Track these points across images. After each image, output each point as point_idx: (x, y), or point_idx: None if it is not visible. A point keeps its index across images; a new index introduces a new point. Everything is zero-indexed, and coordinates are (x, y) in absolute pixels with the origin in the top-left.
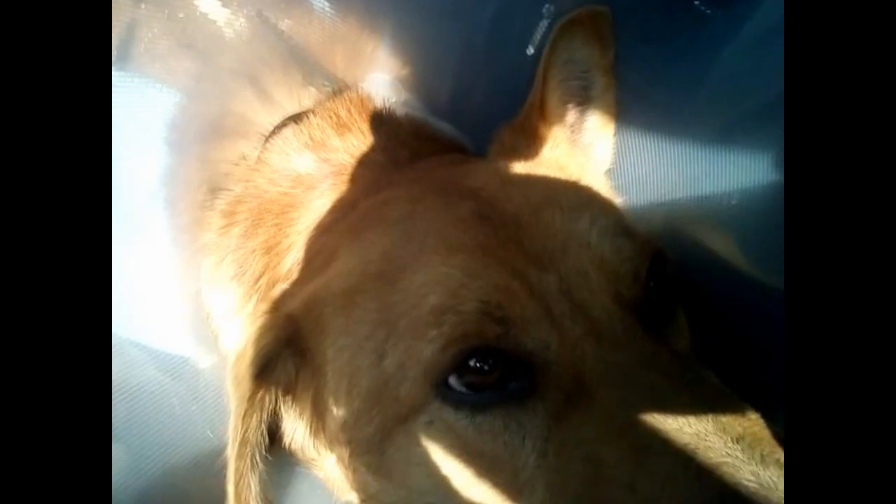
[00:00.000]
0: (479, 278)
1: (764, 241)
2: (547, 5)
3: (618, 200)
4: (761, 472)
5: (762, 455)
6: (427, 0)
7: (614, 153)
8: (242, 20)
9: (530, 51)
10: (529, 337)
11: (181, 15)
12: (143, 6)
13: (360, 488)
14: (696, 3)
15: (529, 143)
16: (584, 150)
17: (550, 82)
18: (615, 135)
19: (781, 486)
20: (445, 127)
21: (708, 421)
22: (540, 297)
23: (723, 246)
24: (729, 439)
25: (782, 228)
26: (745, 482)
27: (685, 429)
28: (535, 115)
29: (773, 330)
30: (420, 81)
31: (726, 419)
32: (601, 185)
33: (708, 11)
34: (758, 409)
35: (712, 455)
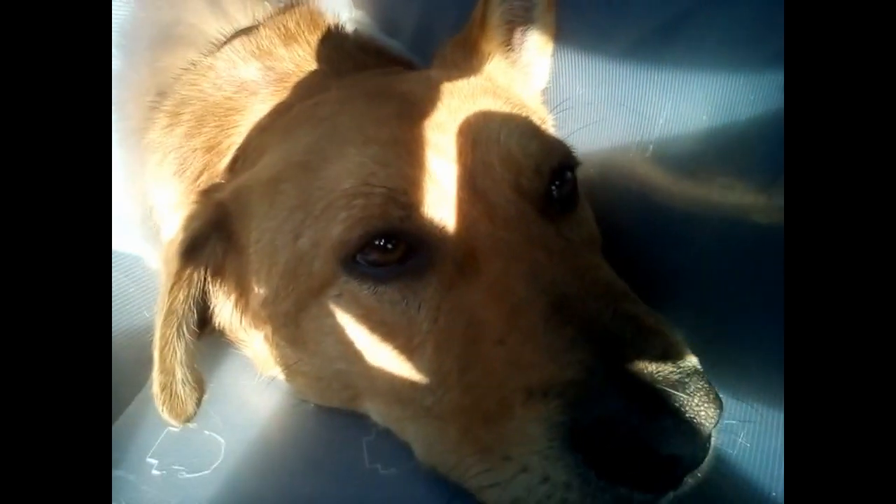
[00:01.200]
0: (389, 167)
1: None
2: None
3: (546, 116)
4: (608, 320)
5: (615, 308)
6: None
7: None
8: None
9: None
10: (428, 219)
11: None
12: None
13: (282, 361)
14: None
15: (468, 58)
16: (522, 69)
17: (493, 1)
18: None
19: (630, 331)
20: (394, 44)
21: (574, 286)
22: (443, 185)
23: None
24: (591, 300)
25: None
26: (597, 327)
27: (557, 289)
28: (476, 32)
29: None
30: (381, 4)
31: (592, 286)
32: (530, 100)
33: None
34: None
35: (572, 310)
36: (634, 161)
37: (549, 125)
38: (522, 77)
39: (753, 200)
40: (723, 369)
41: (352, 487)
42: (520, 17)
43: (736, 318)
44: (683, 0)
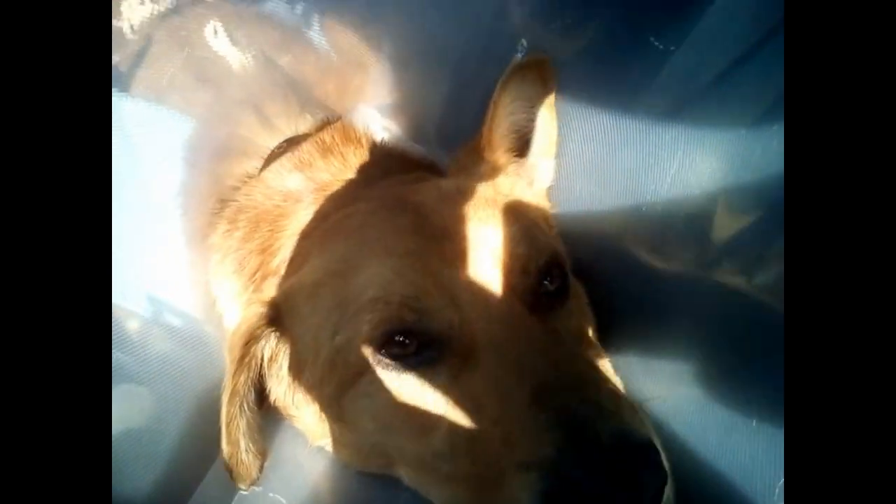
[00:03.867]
0: (404, 277)
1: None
2: (521, 41)
3: (548, 211)
4: (576, 406)
5: (581, 396)
6: (415, 44)
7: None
8: (249, 57)
9: None
10: (436, 321)
11: (198, 53)
12: (167, 46)
13: (328, 433)
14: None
15: (477, 163)
16: (527, 171)
17: (498, 115)
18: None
19: (592, 416)
20: (416, 148)
21: (552, 377)
22: (448, 290)
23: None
24: (563, 390)
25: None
26: (566, 413)
27: (537, 380)
28: (484, 141)
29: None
30: (406, 112)
31: (565, 377)
32: (533, 200)
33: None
34: None
35: (548, 398)
36: (626, 235)
37: (551, 220)
38: (527, 178)
39: (735, 282)
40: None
41: None
42: (524, 127)
43: (734, 373)
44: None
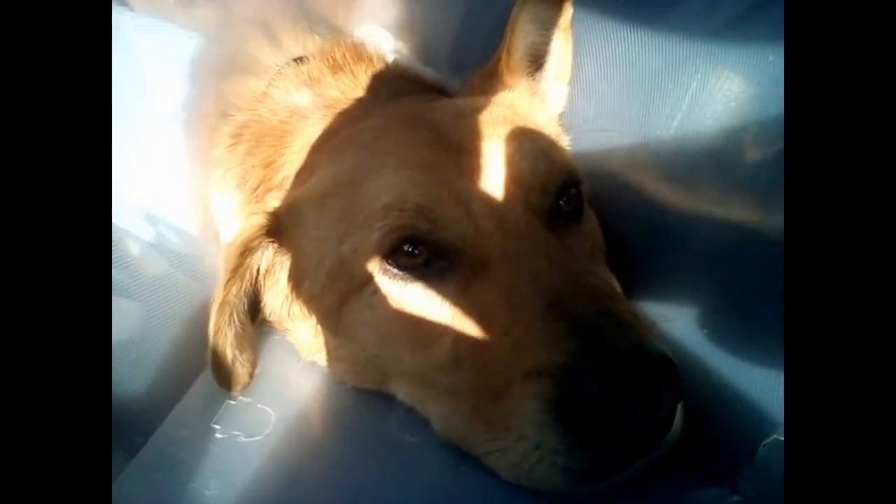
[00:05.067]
0: (420, 187)
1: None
2: None
3: (562, 137)
4: (593, 316)
5: (599, 306)
6: None
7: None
8: None
9: None
10: (450, 231)
11: None
12: None
13: (323, 347)
14: None
15: (493, 87)
16: (541, 96)
17: (515, 37)
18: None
19: (610, 326)
20: (428, 71)
21: (568, 289)
22: (464, 202)
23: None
24: (580, 300)
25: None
26: (583, 322)
27: (553, 291)
28: (501, 64)
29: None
30: (418, 34)
31: (582, 288)
32: (547, 124)
33: None
34: None
35: (565, 308)
36: (637, 166)
37: (565, 145)
38: (541, 103)
39: (748, 216)
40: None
41: (381, 451)
42: (539, 51)
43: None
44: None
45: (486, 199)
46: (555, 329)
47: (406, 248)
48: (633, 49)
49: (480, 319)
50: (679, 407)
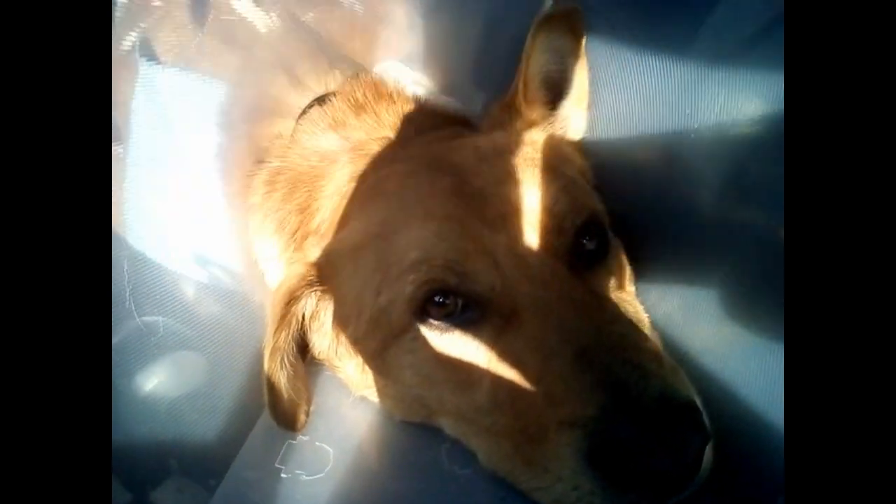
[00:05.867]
0: (447, 241)
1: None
2: None
3: (584, 165)
4: (619, 368)
5: (624, 358)
6: None
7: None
8: (274, 17)
9: None
10: (479, 283)
11: (223, 17)
12: (194, 12)
13: (372, 384)
14: None
15: (512, 118)
16: (561, 122)
17: (532, 68)
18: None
19: (635, 377)
20: (449, 102)
21: (594, 338)
22: (490, 254)
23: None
24: (606, 351)
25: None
26: (610, 375)
27: (580, 342)
28: (518, 95)
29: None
30: (436, 63)
31: (608, 338)
32: (569, 155)
33: None
34: None
35: (591, 359)
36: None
37: (586, 176)
38: (562, 131)
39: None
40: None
41: (434, 484)
42: (556, 78)
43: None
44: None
45: (511, 248)
46: (583, 381)
47: (437, 299)
48: (653, 72)
49: (514, 367)
50: (707, 447)
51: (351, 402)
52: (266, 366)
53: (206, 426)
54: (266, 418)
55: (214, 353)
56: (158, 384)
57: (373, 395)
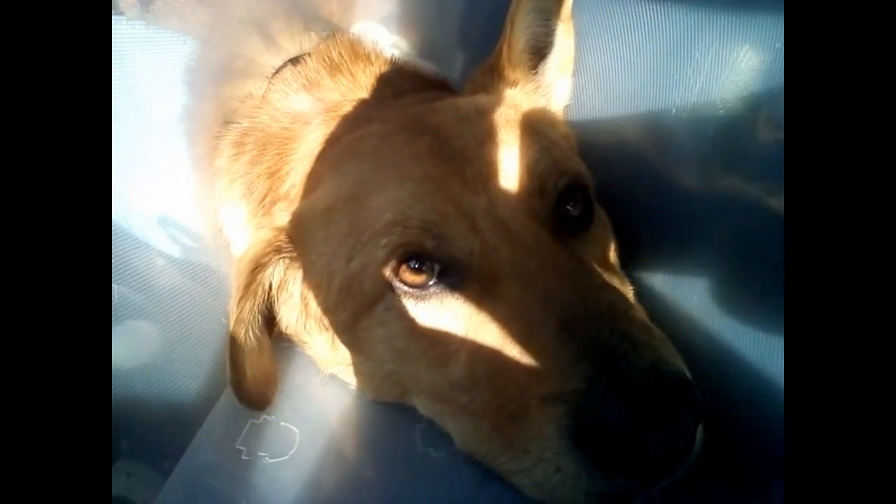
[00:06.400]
0: (423, 202)
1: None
2: None
3: (568, 131)
4: (607, 337)
5: (612, 327)
6: None
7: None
8: None
9: None
10: (457, 247)
11: None
12: None
13: (341, 361)
14: None
15: (495, 82)
16: (545, 89)
17: (516, 30)
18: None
19: (624, 347)
20: (428, 65)
21: (580, 308)
22: (469, 216)
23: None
24: (593, 320)
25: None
26: (597, 344)
27: (565, 311)
28: (502, 58)
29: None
30: (415, 26)
31: (596, 307)
32: (552, 120)
33: None
34: None
35: (577, 329)
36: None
37: (571, 142)
38: (545, 95)
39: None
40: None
41: (407, 468)
42: (541, 43)
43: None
44: None
45: (491, 211)
46: (568, 352)
47: (413, 264)
48: (639, 32)
49: (494, 338)
50: (699, 427)
51: (320, 380)
52: (229, 339)
53: (160, 403)
54: (228, 397)
55: (172, 326)
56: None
57: (343, 373)
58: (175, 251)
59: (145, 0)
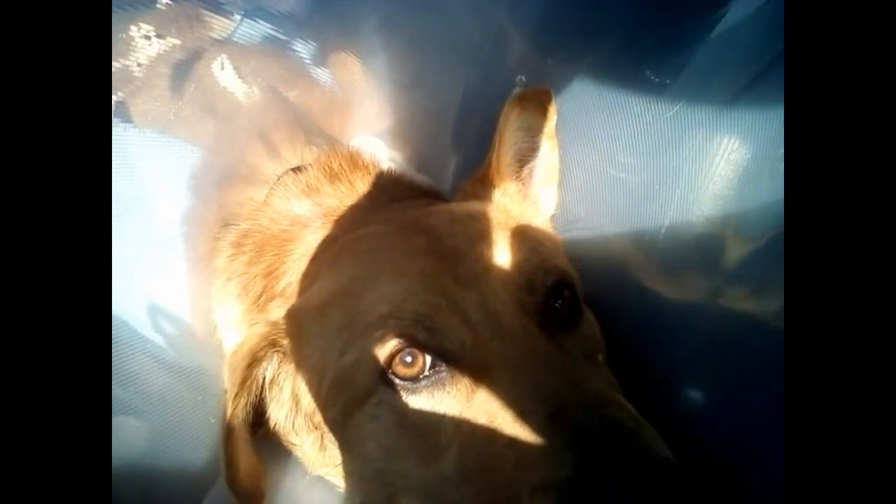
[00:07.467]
0: (417, 296)
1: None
2: (519, 77)
3: (556, 238)
4: (595, 426)
5: (600, 415)
6: (417, 76)
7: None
8: (256, 90)
9: None
10: (449, 339)
11: (206, 87)
12: (174, 81)
13: (330, 461)
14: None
15: (486, 191)
16: (532, 199)
17: (504, 145)
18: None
19: (612, 436)
20: (422, 178)
21: (569, 398)
22: (461, 310)
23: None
24: (581, 409)
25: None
26: (585, 433)
27: (553, 401)
28: (492, 171)
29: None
30: (410, 142)
31: (583, 397)
32: (540, 226)
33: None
34: None
35: (566, 419)
36: (632, 263)
37: (558, 247)
38: (533, 205)
39: (744, 306)
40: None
41: None
42: (528, 155)
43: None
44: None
45: (483, 305)
46: (557, 441)
47: (406, 358)
48: (621, 147)
49: (484, 431)
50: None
51: (307, 482)
52: (225, 434)
53: (147, 500)
54: (211, 498)
55: (159, 423)
56: None
57: (331, 475)
58: (160, 340)
59: (158, 113)
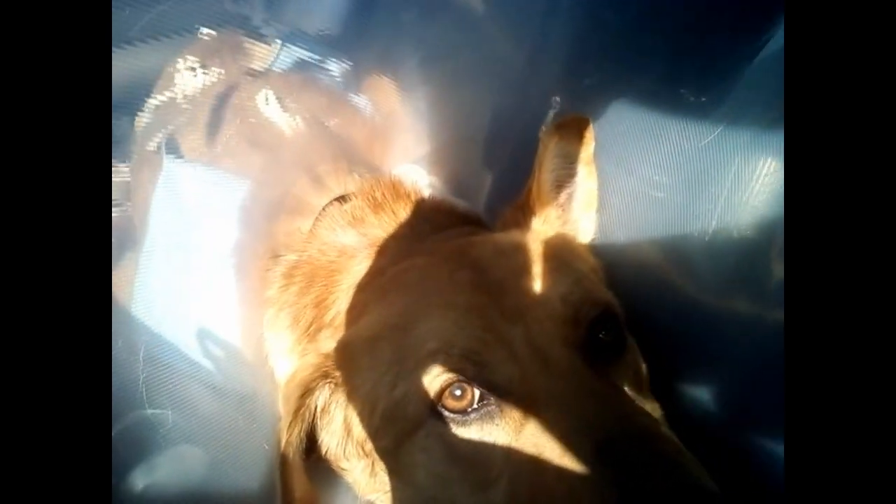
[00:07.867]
0: (465, 331)
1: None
2: (554, 98)
3: (595, 264)
4: (643, 461)
5: (648, 450)
6: (452, 105)
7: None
8: (299, 121)
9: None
10: (498, 374)
11: (252, 120)
12: (219, 113)
13: (380, 488)
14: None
15: (526, 218)
16: (572, 225)
17: (543, 172)
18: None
19: (659, 470)
20: (460, 202)
21: (616, 432)
22: (508, 345)
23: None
24: (628, 444)
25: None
26: (633, 468)
27: (600, 435)
28: (532, 197)
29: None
30: (448, 167)
31: (630, 430)
32: (581, 253)
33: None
34: None
35: (614, 453)
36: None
37: (600, 276)
38: (573, 231)
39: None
40: None
41: None
42: (567, 183)
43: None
44: None
45: (529, 339)
46: (605, 475)
47: (455, 391)
48: (659, 169)
49: (533, 464)
50: None
51: None
52: (279, 462)
53: None
54: None
55: (216, 450)
56: (157, 480)
57: (381, 500)
58: (208, 364)
59: (208, 145)
